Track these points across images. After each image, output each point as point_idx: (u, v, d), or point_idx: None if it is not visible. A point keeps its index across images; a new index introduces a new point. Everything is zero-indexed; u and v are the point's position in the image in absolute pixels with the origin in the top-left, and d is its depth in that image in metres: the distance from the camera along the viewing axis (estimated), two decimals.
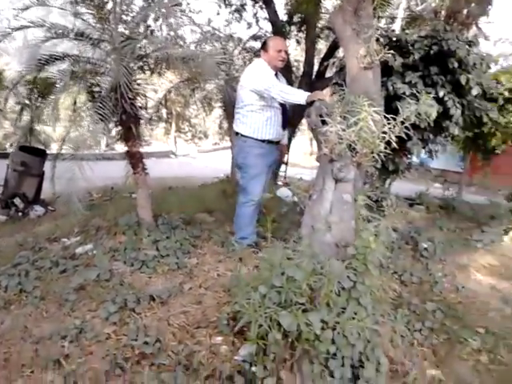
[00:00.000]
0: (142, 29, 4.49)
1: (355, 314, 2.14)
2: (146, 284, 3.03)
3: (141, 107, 4.28)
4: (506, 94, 5.56)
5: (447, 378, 2.38)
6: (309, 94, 3.27)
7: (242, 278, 2.52)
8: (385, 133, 2.74)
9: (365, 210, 2.74)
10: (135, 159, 4.12)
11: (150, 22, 5.02)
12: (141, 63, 4.13)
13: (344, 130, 2.67)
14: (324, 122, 2.85)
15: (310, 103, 3.16)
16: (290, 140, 8.29)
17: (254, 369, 2.06)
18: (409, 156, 5.07)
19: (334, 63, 6.53)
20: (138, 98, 4.15)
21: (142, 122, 4.32)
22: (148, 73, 4.26)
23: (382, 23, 9.26)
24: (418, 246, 4.27)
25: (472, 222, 6.10)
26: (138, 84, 4.13)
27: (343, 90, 3.16)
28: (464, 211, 6.81)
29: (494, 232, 5.26)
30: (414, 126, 3.96)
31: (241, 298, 2.24)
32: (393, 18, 9.73)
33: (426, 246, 4.25)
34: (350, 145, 2.71)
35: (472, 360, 2.61)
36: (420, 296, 3.27)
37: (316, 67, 8.86)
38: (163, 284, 3.00)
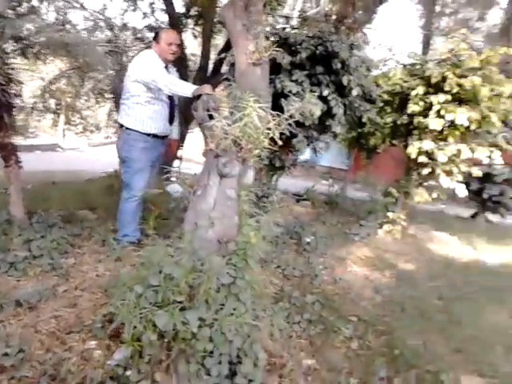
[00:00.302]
0: (25, 8, 4.09)
1: (234, 309, 2.13)
2: (14, 288, 2.74)
3: (16, 95, 3.89)
4: (386, 96, 5.95)
5: (321, 366, 2.49)
6: (197, 87, 3.22)
7: (120, 277, 2.39)
8: (270, 129, 2.77)
9: (249, 206, 2.76)
10: (7, 151, 3.74)
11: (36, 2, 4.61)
12: (20, 45, 3.74)
13: (229, 125, 2.65)
14: (211, 117, 2.81)
15: (198, 97, 3.10)
16: (184, 135, 8.19)
17: (127, 373, 1.96)
18: (295, 153, 5.24)
19: (225, 58, 6.55)
20: (13, 84, 3.76)
21: (17, 111, 3.94)
22: (32, 58, 3.87)
23: (281, 22, 9.50)
24: (301, 240, 4.45)
25: (352, 216, 6.53)
26: (12, 69, 3.74)
27: (231, 84, 3.16)
28: (346, 207, 7.27)
29: (370, 226, 5.68)
30: (300, 124, 4.11)
31: (116, 299, 2.12)
32: (287, 18, 10.02)
33: (308, 240, 4.44)
34: (236, 140, 2.70)
35: (344, 347, 2.76)
36: (301, 289, 3.39)
37: (213, 62, 8.85)
38: (34, 287, 2.74)
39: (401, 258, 4.84)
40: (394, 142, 6.52)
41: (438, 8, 19.17)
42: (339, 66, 4.53)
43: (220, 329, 2.01)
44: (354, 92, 4.65)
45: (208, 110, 2.91)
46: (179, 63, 7.17)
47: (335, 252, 4.54)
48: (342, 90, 4.74)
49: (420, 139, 5.35)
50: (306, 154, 8.04)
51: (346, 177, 9.43)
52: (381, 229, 5.71)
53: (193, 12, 9.15)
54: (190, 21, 9.45)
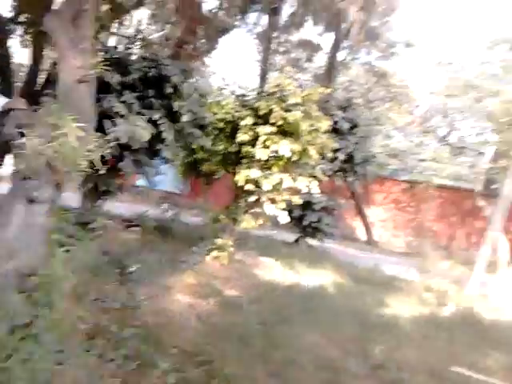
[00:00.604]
0: None
1: (31, 354, 1.87)
2: None
3: None
4: (221, 124, 6.14)
5: None
6: (7, 100, 2.89)
7: None
8: (91, 151, 2.60)
9: (61, 234, 2.52)
10: None
11: None
12: None
13: (43, 145, 2.42)
14: (23, 135, 2.54)
15: (9, 111, 2.78)
16: (4, 152, 7.29)
17: None
18: (124, 177, 5.02)
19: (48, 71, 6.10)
20: None
21: None
22: None
23: (123, 42, 9.21)
24: (125, 269, 4.22)
25: (185, 243, 6.44)
26: None
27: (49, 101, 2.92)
28: (179, 233, 7.16)
29: (200, 252, 5.70)
30: (128, 147, 3.97)
31: None
32: (129, 38, 9.77)
33: (133, 269, 4.23)
34: (49, 161, 2.46)
35: (160, 383, 2.64)
36: (119, 323, 3.16)
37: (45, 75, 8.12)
38: None
39: (226, 285, 4.93)
40: (229, 169, 6.73)
41: (273, 46, 20.84)
42: (171, 90, 4.54)
43: (8, 379, 1.74)
44: (185, 118, 4.70)
45: (19, 127, 2.62)
46: (2, 74, 6.48)
47: (161, 281, 4.41)
48: (173, 115, 4.75)
49: (248, 168, 5.61)
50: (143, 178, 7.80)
51: (181, 202, 9.41)
52: (209, 255, 5.78)
53: (22, 18, 8.32)
54: (18, 27, 8.56)
